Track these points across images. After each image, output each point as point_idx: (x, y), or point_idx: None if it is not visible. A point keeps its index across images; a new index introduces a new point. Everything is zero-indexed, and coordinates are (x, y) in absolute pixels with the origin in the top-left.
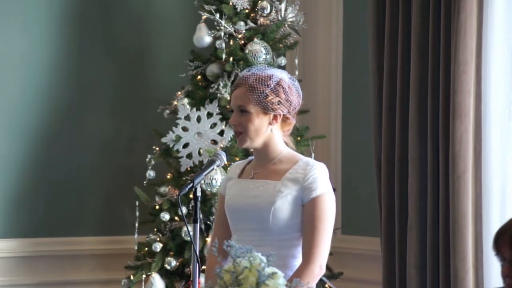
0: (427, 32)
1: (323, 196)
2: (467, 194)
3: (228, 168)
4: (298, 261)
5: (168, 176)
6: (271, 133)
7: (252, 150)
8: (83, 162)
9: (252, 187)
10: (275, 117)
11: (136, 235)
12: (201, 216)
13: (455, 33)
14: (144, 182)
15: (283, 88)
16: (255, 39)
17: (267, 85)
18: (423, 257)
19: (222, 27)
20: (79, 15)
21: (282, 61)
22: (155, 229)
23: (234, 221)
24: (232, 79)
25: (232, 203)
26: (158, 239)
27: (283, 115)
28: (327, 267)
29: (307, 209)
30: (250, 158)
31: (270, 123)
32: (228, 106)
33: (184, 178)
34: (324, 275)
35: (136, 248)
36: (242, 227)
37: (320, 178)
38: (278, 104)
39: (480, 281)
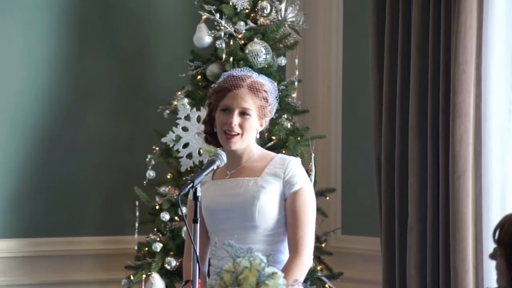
0: (427, 32)
1: (303, 189)
2: (467, 194)
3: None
4: (285, 255)
5: (168, 176)
6: (254, 136)
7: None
8: (83, 162)
9: (232, 186)
10: (261, 123)
11: (136, 235)
12: None
13: (455, 33)
14: (144, 182)
15: (275, 96)
16: (255, 39)
17: (265, 91)
18: (423, 257)
19: (222, 27)
20: (79, 15)
21: (282, 61)
22: (155, 229)
23: (216, 222)
24: None
25: (213, 204)
26: (158, 239)
27: (266, 121)
28: (327, 267)
29: (289, 202)
30: None
31: (256, 128)
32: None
33: (184, 178)
34: (324, 275)
35: (136, 248)
36: (226, 227)
37: (298, 171)
38: (270, 112)
39: (480, 281)
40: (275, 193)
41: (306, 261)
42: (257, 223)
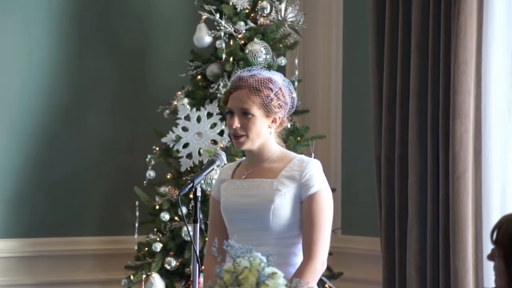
0: (427, 32)
1: (320, 192)
2: (467, 194)
3: (218, 171)
4: (299, 258)
5: (168, 176)
6: (268, 135)
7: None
8: (83, 162)
9: (248, 187)
10: (274, 120)
11: (136, 235)
12: (201, 216)
13: (455, 33)
14: (144, 182)
15: (282, 91)
16: (255, 39)
17: (270, 88)
18: (423, 257)
19: (222, 27)
20: (79, 15)
21: (282, 61)
22: (155, 229)
23: (232, 222)
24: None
25: (229, 204)
26: (158, 239)
27: (281, 117)
28: (327, 267)
29: (305, 206)
30: (239, 160)
31: (269, 126)
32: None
33: (184, 178)
34: (324, 275)
35: (136, 248)
36: (241, 228)
37: (317, 174)
38: (279, 107)
39: (480, 281)
40: (290, 196)
41: (318, 266)
42: (271, 225)
